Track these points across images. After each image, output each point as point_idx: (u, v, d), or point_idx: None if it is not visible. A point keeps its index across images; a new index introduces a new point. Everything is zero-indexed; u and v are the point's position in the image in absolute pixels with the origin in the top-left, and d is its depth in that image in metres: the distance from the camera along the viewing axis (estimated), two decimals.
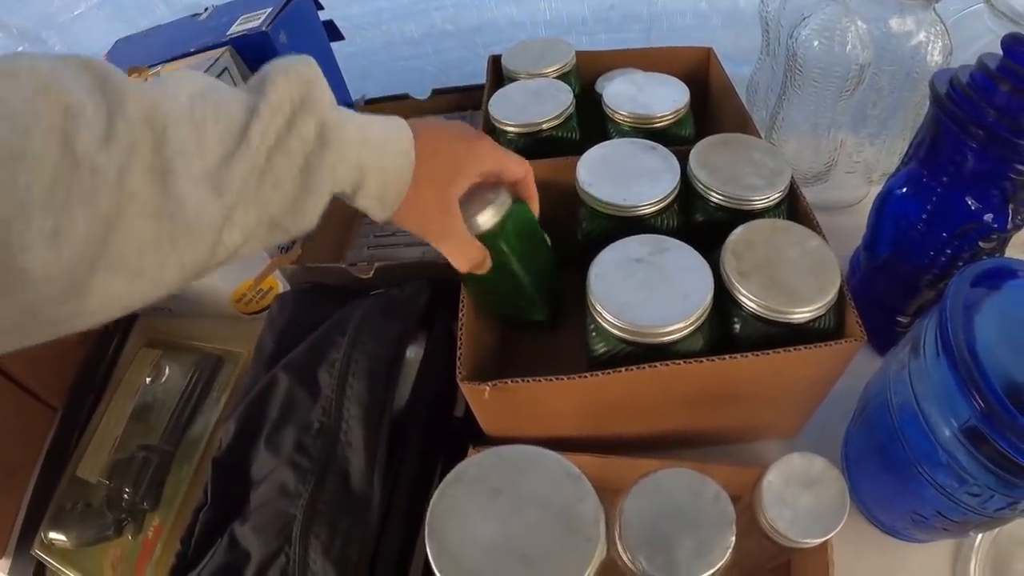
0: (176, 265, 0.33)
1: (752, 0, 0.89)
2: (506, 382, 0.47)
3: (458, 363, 0.48)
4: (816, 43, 0.64)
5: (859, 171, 0.75)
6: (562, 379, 0.46)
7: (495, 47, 0.97)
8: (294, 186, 0.37)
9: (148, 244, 0.32)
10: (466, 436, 0.55)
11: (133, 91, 0.31)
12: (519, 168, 0.49)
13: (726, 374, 0.48)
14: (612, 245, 0.50)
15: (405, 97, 0.90)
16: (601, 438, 0.54)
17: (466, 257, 0.48)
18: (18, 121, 0.27)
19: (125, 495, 0.62)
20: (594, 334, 0.49)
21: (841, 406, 0.56)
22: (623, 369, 0.46)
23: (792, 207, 0.57)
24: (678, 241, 0.50)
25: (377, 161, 0.41)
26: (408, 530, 0.55)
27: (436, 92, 0.90)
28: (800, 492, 0.43)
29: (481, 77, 0.81)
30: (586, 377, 0.46)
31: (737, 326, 0.50)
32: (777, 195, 0.54)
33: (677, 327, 0.46)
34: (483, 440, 0.54)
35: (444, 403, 0.62)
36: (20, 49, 1.16)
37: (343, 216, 0.84)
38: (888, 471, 0.50)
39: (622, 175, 0.55)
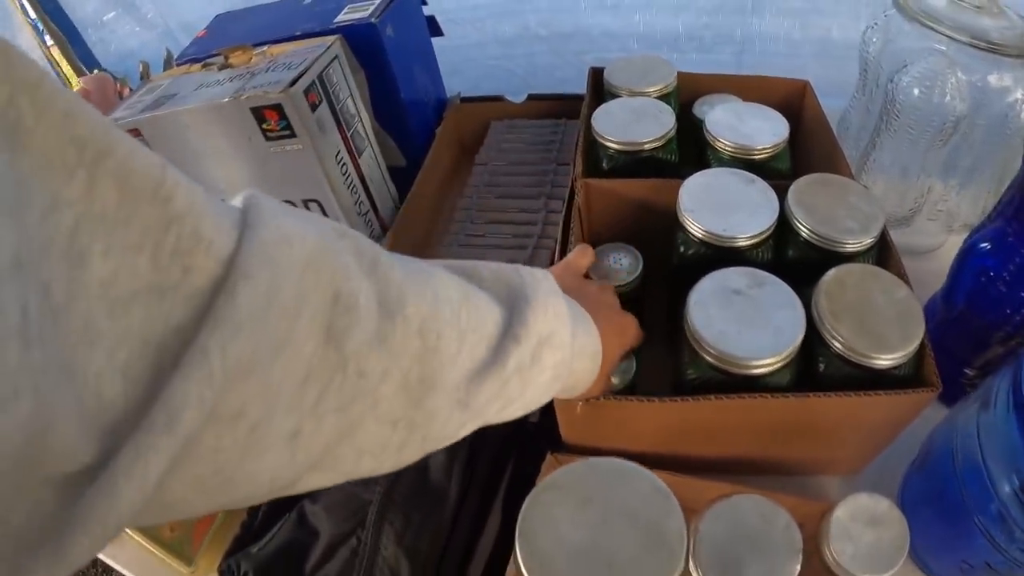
0: (390, 466, 0.30)
1: (845, 32, 0.90)
2: (599, 399, 0.48)
3: None
4: (916, 91, 0.65)
5: (940, 219, 0.75)
6: (653, 401, 0.48)
7: (586, 55, 0.99)
8: (515, 405, 0.36)
9: (372, 449, 0.28)
10: (541, 440, 0.57)
11: (410, 287, 0.28)
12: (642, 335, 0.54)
13: (808, 410, 0.49)
14: (712, 274, 0.52)
15: (499, 99, 0.92)
16: (673, 455, 0.55)
17: None
18: (288, 303, 0.22)
19: None
20: (687, 359, 0.50)
21: (901, 448, 0.57)
22: (713, 397, 0.47)
23: (881, 253, 0.58)
24: (774, 276, 0.52)
25: (578, 369, 0.42)
26: (474, 528, 0.56)
27: (531, 97, 0.91)
28: (864, 529, 0.44)
29: (569, 84, 0.82)
30: (676, 401, 0.48)
31: (822, 365, 0.51)
32: (870, 240, 0.55)
33: (769, 361, 0.47)
34: (560, 446, 0.56)
35: None
36: (111, 15, 1.16)
37: (430, 213, 0.85)
38: (944, 519, 0.51)
39: (722, 205, 0.56)
